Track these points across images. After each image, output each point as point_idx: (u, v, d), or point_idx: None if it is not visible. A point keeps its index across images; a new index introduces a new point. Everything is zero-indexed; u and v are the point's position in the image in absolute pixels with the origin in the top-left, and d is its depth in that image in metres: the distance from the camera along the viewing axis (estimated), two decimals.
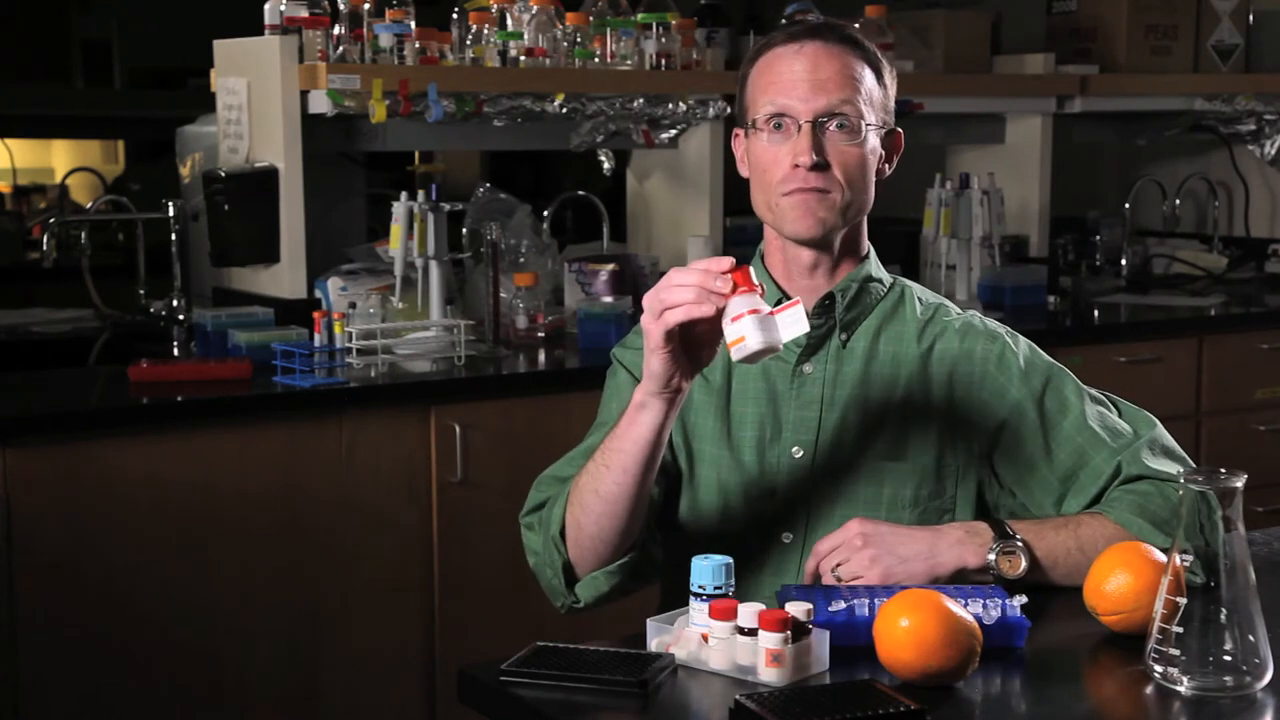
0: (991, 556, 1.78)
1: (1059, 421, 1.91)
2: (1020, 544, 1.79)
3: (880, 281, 1.99)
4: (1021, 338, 1.99)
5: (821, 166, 1.87)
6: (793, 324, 1.64)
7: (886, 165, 1.96)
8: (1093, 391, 1.98)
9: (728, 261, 1.65)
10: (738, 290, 1.64)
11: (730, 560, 1.62)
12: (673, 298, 1.66)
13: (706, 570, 1.60)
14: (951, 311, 2.00)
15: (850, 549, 1.78)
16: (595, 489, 1.81)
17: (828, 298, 1.94)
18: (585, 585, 1.89)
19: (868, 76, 1.92)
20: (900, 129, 1.99)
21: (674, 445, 1.96)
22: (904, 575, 1.76)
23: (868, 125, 1.89)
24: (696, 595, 1.60)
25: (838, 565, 1.78)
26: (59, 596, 2.81)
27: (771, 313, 1.64)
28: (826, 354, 1.95)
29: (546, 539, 1.90)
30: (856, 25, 3.90)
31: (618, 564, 1.87)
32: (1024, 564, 1.78)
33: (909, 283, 2.02)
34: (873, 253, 1.99)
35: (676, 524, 1.97)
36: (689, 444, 1.97)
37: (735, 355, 1.63)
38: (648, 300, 1.69)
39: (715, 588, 1.60)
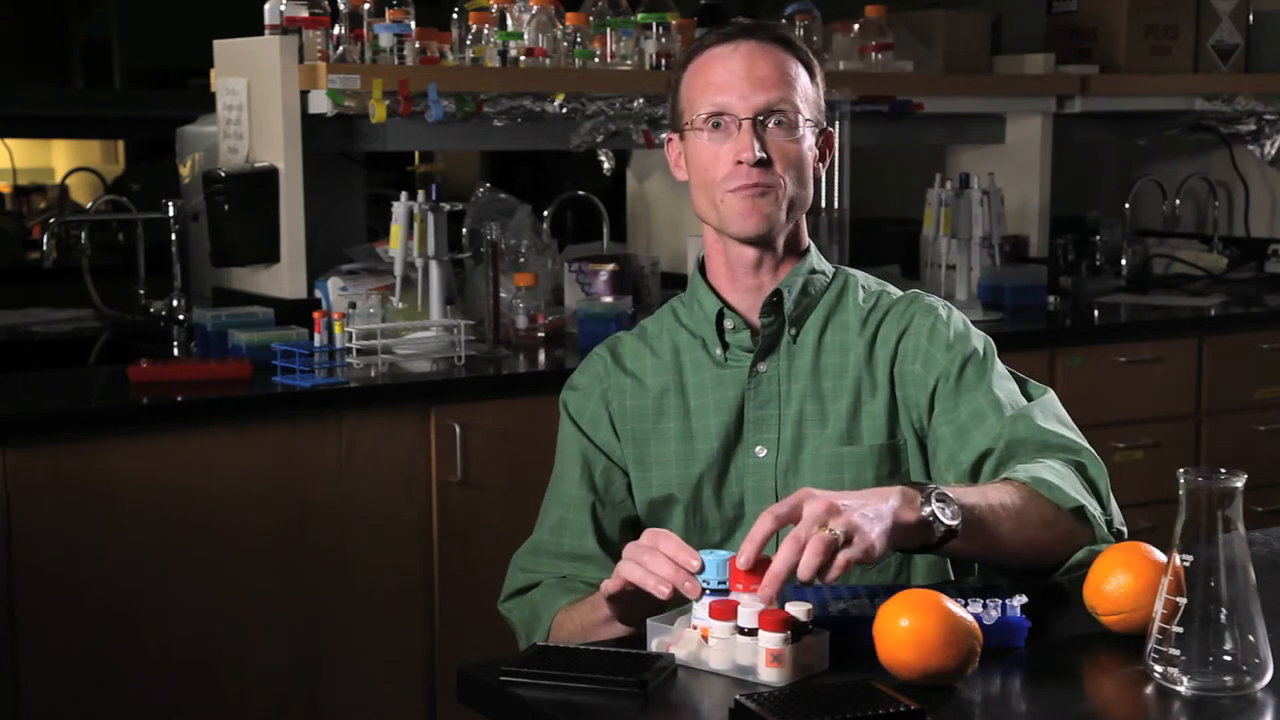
0: (926, 511, 1.67)
1: (974, 387, 1.92)
2: (940, 489, 1.70)
3: (822, 273, 2.01)
4: (956, 311, 2.01)
5: (765, 163, 1.89)
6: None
7: (820, 165, 1.99)
8: (1010, 371, 2.00)
9: (698, 560, 1.58)
10: (740, 585, 1.56)
11: (733, 554, 1.61)
12: (644, 580, 1.59)
13: (711, 565, 1.60)
14: (893, 295, 2.03)
15: (836, 514, 1.61)
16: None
17: (775, 294, 1.96)
18: None
19: (802, 75, 1.94)
20: (831, 129, 2.01)
21: (635, 486, 1.99)
22: (880, 537, 1.60)
23: (805, 121, 1.92)
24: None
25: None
26: (59, 596, 2.81)
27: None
28: (778, 352, 1.97)
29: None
30: (856, 26, 3.94)
31: None
32: (955, 505, 1.69)
33: (852, 271, 2.05)
34: (813, 246, 2.02)
35: None
36: (653, 477, 1.98)
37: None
38: (625, 566, 1.63)
39: (719, 582, 1.59)
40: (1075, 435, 1.92)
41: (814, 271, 2.00)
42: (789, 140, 1.91)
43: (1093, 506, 1.82)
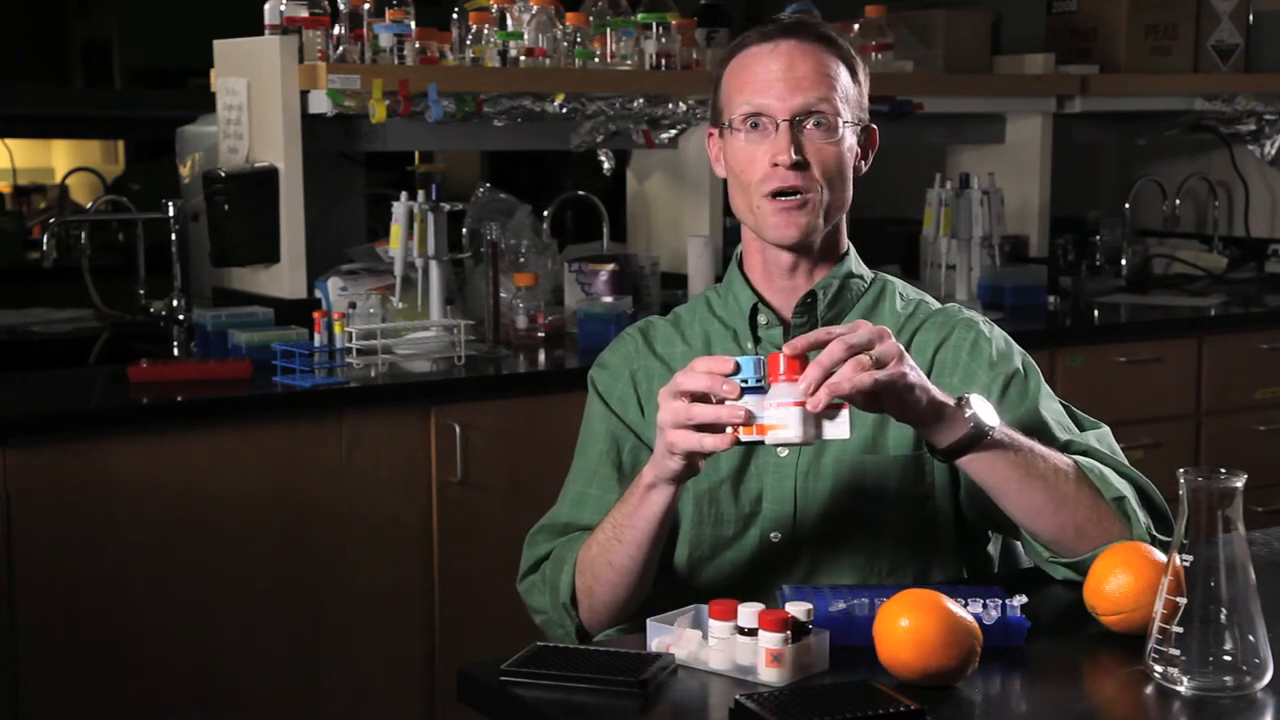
0: (968, 413, 1.71)
1: (1016, 407, 1.90)
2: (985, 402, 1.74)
3: (860, 278, 1.99)
4: (997, 328, 1.99)
5: (800, 165, 1.87)
6: (837, 428, 1.62)
7: (862, 162, 1.97)
8: (1056, 398, 1.97)
9: (730, 363, 1.64)
10: (782, 376, 1.62)
11: (763, 356, 1.64)
12: (705, 416, 1.63)
13: (747, 364, 1.63)
14: (932, 305, 2.00)
15: (885, 341, 1.67)
16: (608, 561, 1.82)
17: (809, 296, 1.95)
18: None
19: (843, 74, 1.91)
20: (875, 125, 1.98)
21: None
22: (918, 383, 1.67)
23: (844, 123, 1.90)
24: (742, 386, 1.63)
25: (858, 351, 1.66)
26: (58, 596, 2.81)
27: (815, 408, 1.61)
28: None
29: (556, 604, 1.90)
30: (856, 26, 3.94)
31: (630, 618, 1.89)
32: (996, 414, 1.72)
33: (890, 279, 2.02)
34: (852, 250, 2.00)
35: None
36: None
37: (769, 439, 1.63)
38: (671, 406, 1.66)
39: (757, 380, 1.62)
40: (1132, 469, 1.87)
41: (852, 275, 1.98)
42: (827, 143, 1.88)
43: (1136, 505, 1.79)
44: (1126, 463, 1.88)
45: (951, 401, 1.71)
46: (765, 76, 1.88)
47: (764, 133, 1.89)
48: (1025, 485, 1.74)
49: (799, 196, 1.88)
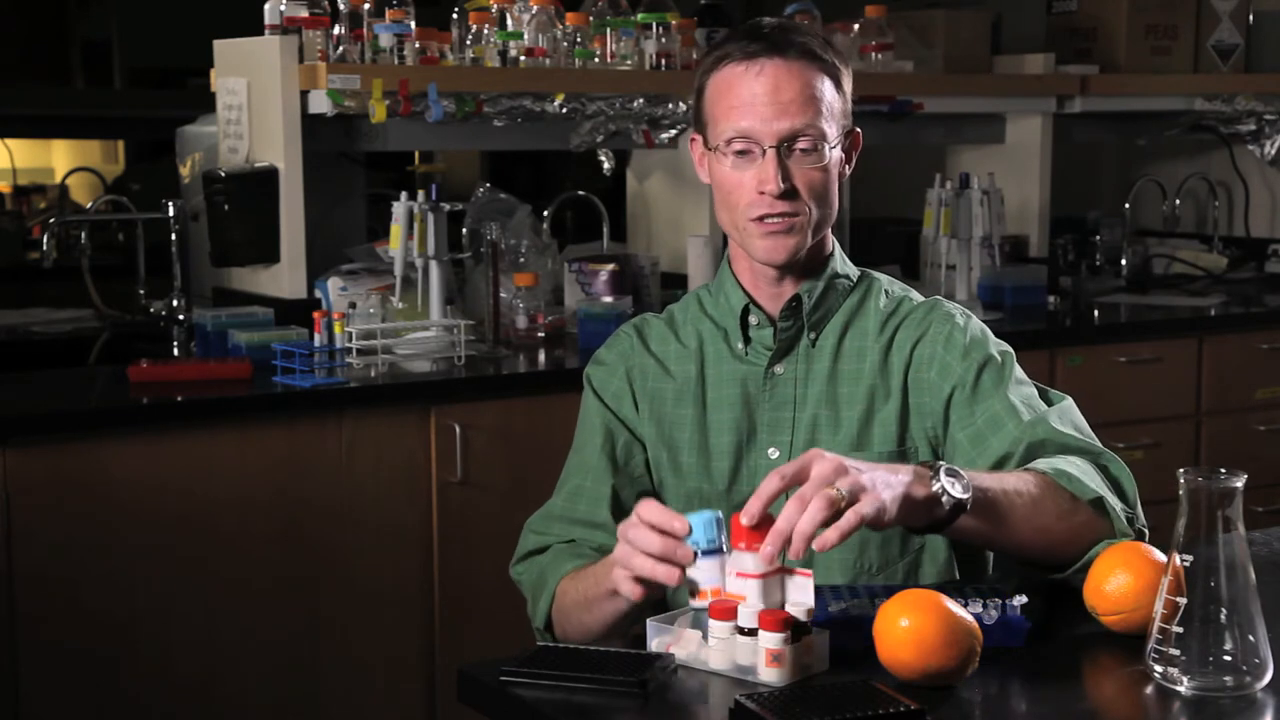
0: (936, 486, 1.66)
1: (989, 394, 1.90)
2: (951, 466, 1.70)
3: (846, 278, 2.00)
4: (975, 319, 1.99)
5: (789, 194, 1.88)
6: (799, 594, 1.57)
7: (848, 166, 1.97)
8: (1029, 381, 1.97)
9: (684, 524, 1.60)
10: (742, 544, 1.57)
11: (717, 514, 1.61)
12: (652, 575, 1.61)
13: (698, 526, 1.59)
14: (914, 301, 2.01)
15: (844, 477, 1.57)
16: (579, 619, 1.85)
17: (795, 299, 1.96)
18: None
19: (828, 90, 1.91)
20: (859, 129, 1.99)
21: (654, 464, 2.00)
22: (887, 500, 1.59)
23: (831, 145, 1.90)
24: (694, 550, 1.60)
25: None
26: (58, 596, 2.81)
27: (778, 572, 1.57)
28: (796, 354, 1.97)
29: (534, 623, 1.94)
30: (856, 26, 3.94)
31: None
32: (966, 480, 1.67)
33: (877, 276, 2.04)
34: (837, 249, 2.01)
35: None
36: (673, 459, 1.99)
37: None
38: (624, 550, 1.63)
39: (709, 542, 1.59)
40: (1094, 440, 1.89)
41: (837, 276, 1.99)
42: (814, 167, 1.89)
43: (1113, 500, 1.80)
44: (1089, 434, 1.89)
45: (924, 493, 1.63)
46: (750, 100, 1.88)
47: (750, 159, 1.89)
48: (1008, 532, 1.74)
49: (786, 219, 1.89)
